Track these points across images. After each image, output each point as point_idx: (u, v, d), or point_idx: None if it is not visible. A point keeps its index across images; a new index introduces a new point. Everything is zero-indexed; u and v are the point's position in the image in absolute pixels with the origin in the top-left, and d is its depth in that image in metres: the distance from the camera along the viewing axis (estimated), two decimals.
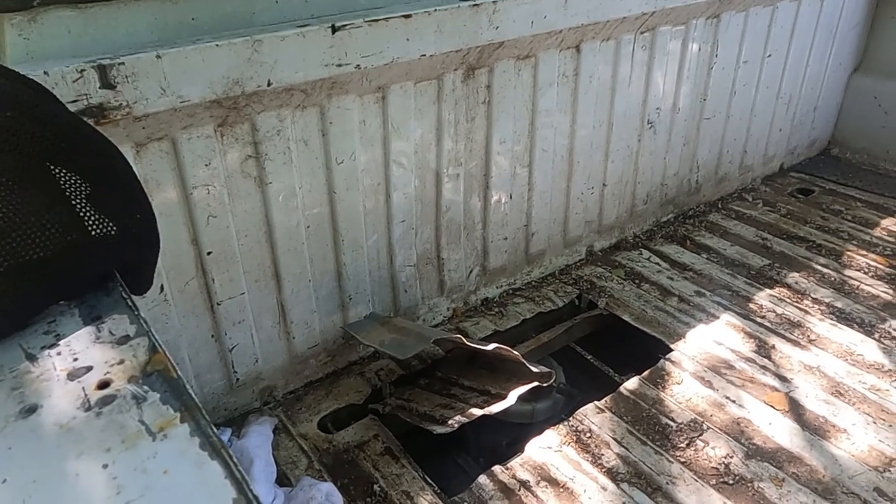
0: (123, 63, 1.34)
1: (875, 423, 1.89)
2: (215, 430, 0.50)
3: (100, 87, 1.33)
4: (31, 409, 0.53)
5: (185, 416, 0.51)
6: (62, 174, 0.72)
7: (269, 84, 1.55)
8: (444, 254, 2.25)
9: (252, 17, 1.62)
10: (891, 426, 1.88)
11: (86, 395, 0.54)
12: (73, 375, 0.57)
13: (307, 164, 1.79)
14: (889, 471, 1.75)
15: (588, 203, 2.59)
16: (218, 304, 1.78)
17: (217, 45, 1.44)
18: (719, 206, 3.10)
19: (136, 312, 0.63)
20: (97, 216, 0.66)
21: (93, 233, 0.65)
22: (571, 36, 2.14)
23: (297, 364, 2.04)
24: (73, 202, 0.68)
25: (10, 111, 0.71)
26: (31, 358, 0.59)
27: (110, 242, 0.67)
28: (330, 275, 1.99)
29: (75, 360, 0.59)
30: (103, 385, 0.55)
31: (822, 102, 3.35)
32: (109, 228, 0.66)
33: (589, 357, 2.32)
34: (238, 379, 1.91)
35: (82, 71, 1.30)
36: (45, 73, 1.26)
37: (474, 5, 1.81)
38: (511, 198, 2.32)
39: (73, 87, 1.30)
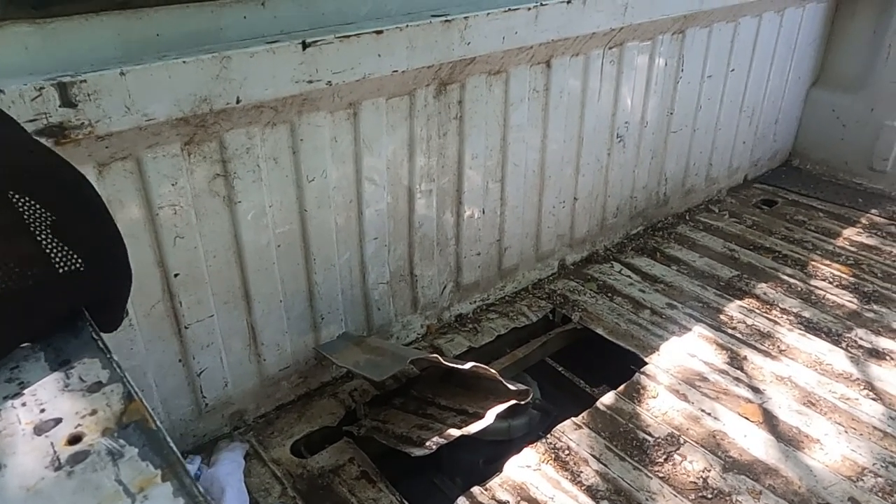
0: (85, 80, 1.29)
1: (847, 432, 1.92)
2: (201, 489, 0.46)
3: (60, 106, 1.27)
4: None
5: (167, 473, 0.46)
6: (23, 203, 0.67)
7: (237, 101, 1.51)
8: (418, 270, 2.22)
9: (219, 33, 1.58)
10: (861, 435, 1.91)
11: (55, 452, 0.49)
12: (39, 429, 0.52)
13: (277, 182, 1.75)
14: (862, 480, 1.77)
15: (560, 217, 2.59)
16: (186, 327, 1.72)
17: (184, 62, 1.40)
18: (687, 217, 3.13)
19: (108, 356, 0.59)
20: (62, 249, 0.62)
21: (58, 268, 0.61)
22: (542, 51, 2.14)
23: (269, 387, 1.99)
24: (36, 234, 0.64)
25: None
26: None
27: (77, 278, 0.62)
28: (301, 294, 1.94)
29: (42, 411, 0.54)
30: (74, 440, 0.51)
31: (782, 115, 3.42)
32: (76, 263, 0.62)
33: (564, 372, 2.31)
34: (207, 404, 1.85)
35: (41, 89, 1.24)
36: (1, 91, 1.21)
37: (446, 21, 1.80)
38: (484, 213, 2.31)
39: (31, 106, 1.24)
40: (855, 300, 2.50)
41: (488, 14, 1.89)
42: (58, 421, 0.53)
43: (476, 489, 1.75)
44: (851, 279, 2.63)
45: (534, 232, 2.53)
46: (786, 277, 2.65)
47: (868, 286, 2.58)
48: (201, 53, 1.44)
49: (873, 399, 2.04)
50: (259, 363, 1.92)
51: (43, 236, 0.63)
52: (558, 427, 1.94)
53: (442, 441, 1.70)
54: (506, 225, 2.40)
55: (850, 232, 2.98)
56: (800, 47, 3.25)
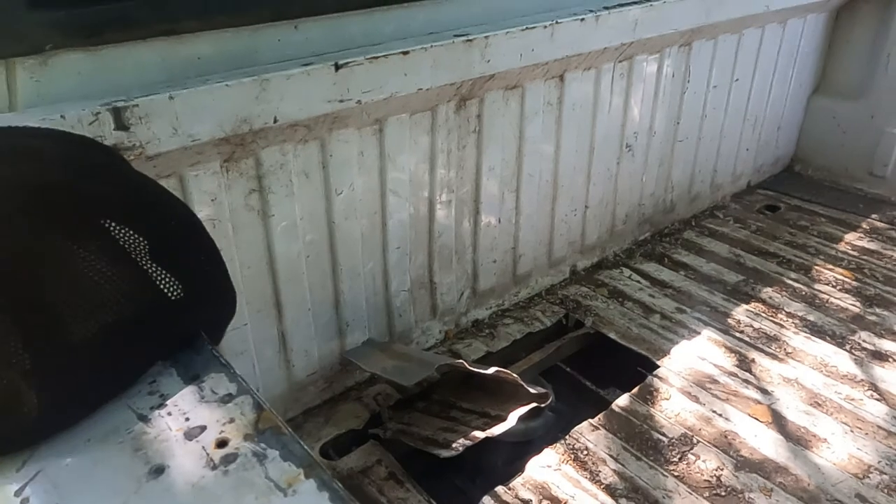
0: (137, 105, 1.37)
1: (852, 431, 2.00)
2: (340, 484, 0.54)
3: (114, 129, 1.35)
4: (159, 470, 0.56)
5: (309, 471, 0.54)
6: (121, 232, 0.75)
7: (275, 121, 1.59)
8: (437, 278, 2.30)
9: (255, 56, 1.66)
10: (867, 434, 1.99)
11: (208, 455, 0.57)
12: (189, 435, 0.59)
13: (308, 195, 1.83)
14: (868, 477, 1.85)
15: (571, 224, 2.67)
16: None
17: (227, 85, 1.48)
18: (692, 223, 3.21)
19: (232, 370, 0.67)
20: (167, 277, 0.69)
21: (170, 295, 0.68)
22: (556, 66, 2.22)
23: (297, 391, 2.06)
24: (139, 262, 0.72)
25: (69, 173, 0.74)
26: (144, 419, 0.62)
27: (186, 304, 0.70)
28: (328, 302, 2.02)
29: (187, 419, 0.62)
30: (222, 444, 0.58)
31: (784, 122, 3.51)
32: (180, 290, 0.69)
33: (576, 375, 2.39)
34: None
35: (98, 114, 1.32)
36: (61, 116, 1.28)
37: (467, 41, 1.88)
38: (500, 222, 2.39)
39: (88, 130, 1.32)
40: (858, 303, 2.59)
41: (507, 33, 1.97)
42: (203, 428, 0.61)
43: (500, 488, 1.83)
44: (854, 283, 2.72)
45: (547, 239, 2.61)
46: (790, 282, 2.73)
47: (870, 290, 2.67)
48: (241, 76, 1.52)
49: (877, 399, 2.12)
50: (288, 369, 2.00)
51: (147, 264, 0.71)
52: (576, 428, 2.02)
53: (468, 443, 1.78)
54: (520, 233, 2.48)
55: (851, 236, 3.06)
56: (801, 56, 3.34)
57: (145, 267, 0.71)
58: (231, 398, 0.64)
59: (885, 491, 1.81)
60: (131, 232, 0.75)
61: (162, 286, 0.69)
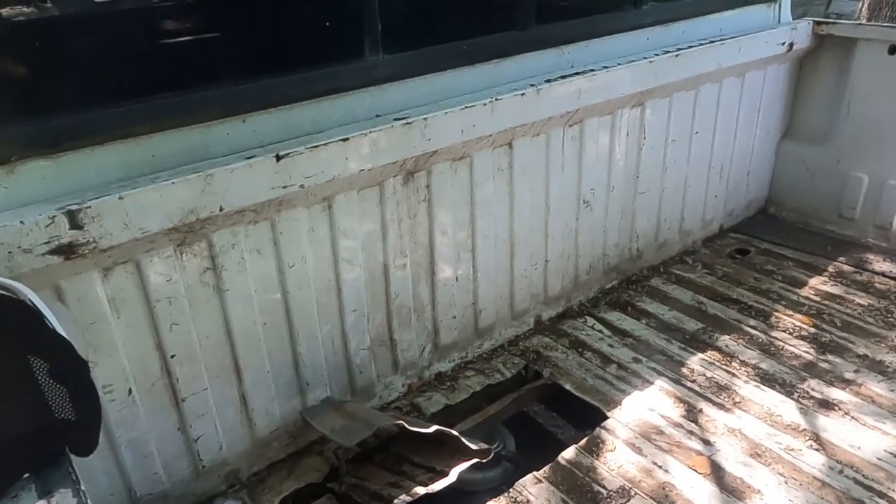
0: (90, 206, 1.55)
1: (787, 482, 2.08)
2: None
3: (69, 229, 1.54)
4: None
5: None
6: (38, 365, 0.91)
7: (221, 210, 1.76)
8: (397, 335, 2.44)
9: (207, 149, 1.84)
10: (801, 485, 2.06)
11: None
12: None
13: (261, 269, 1.99)
14: None
15: (532, 278, 2.80)
16: (182, 400, 1.96)
17: (173, 183, 1.66)
18: (661, 269, 3.31)
19: (78, 486, 0.81)
20: (60, 398, 0.85)
21: (56, 414, 0.84)
22: (502, 137, 2.38)
23: (260, 447, 2.21)
24: (42, 386, 0.88)
25: None
26: None
27: (69, 424, 0.85)
28: (287, 364, 2.17)
29: None
30: None
31: (754, 167, 3.60)
32: (70, 412, 0.85)
33: (544, 424, 2.50)
34: (204, 466, 2.08)
35: (53, 217, 1.51)
36: (21, 222, 1.47)
37: (407, 123, 2.05)
38: (457, 280, 2.53)
39: (46, 231, 1.51)
40: (812, 351, 2.66)
41: (446, 113, 2.13)
42: None
43: None
44: (811, 329, 2.79)
45: (507, 293, 2.74)
46: (748, 329, 2.81)
47: (826, 336, 2.74)
48: (189, 172, 1.70)
49: (816, 449, 2.19)
50: (251, 427, 2.15)
51: (47, 390, 0.87)
52: (521, 481, 2.13)
53: (408, 499, 1.91)
54: (479, 289, 2.62)
55: (816, 281, 3.13)
56: (765, 105, 3.44)
57: (45, 389, 0.87)
58: None
59: None
60: (41, 361, 0.91)
61: (52, 406, 0.85)
